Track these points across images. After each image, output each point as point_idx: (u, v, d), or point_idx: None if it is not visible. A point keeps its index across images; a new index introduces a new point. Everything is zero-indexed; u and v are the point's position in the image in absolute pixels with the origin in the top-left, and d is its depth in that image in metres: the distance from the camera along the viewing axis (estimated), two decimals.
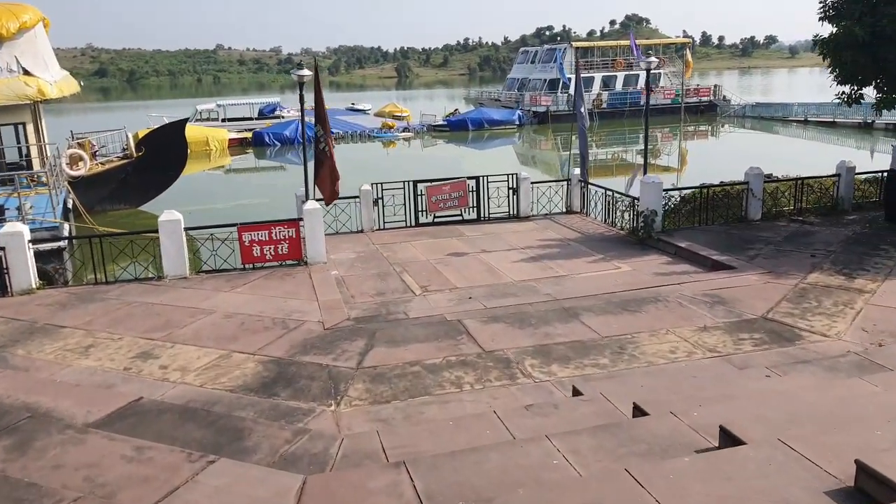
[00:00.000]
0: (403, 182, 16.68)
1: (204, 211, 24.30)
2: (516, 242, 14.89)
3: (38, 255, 13.03)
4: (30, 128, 20.91)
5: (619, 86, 56.77)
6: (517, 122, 50.62)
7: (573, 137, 18.97)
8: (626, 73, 57.56)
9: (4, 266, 11.55)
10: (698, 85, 58.53)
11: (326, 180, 15.41)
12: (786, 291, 10.48)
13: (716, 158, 36.16)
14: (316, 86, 15.87)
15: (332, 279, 12.28)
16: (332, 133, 50.21)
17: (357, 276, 12.78)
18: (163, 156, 24.22)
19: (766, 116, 50.42)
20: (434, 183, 16.92)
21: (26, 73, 20.17)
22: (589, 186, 17.22)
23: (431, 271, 12.96)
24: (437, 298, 11.34)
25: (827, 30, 14.79)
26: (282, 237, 12.87)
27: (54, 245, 15.00)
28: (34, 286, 11.82)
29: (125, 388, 8.01)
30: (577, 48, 59.45)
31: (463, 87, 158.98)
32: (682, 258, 13.02)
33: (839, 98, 15.11)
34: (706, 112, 55.60)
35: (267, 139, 43.50)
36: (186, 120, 26.78)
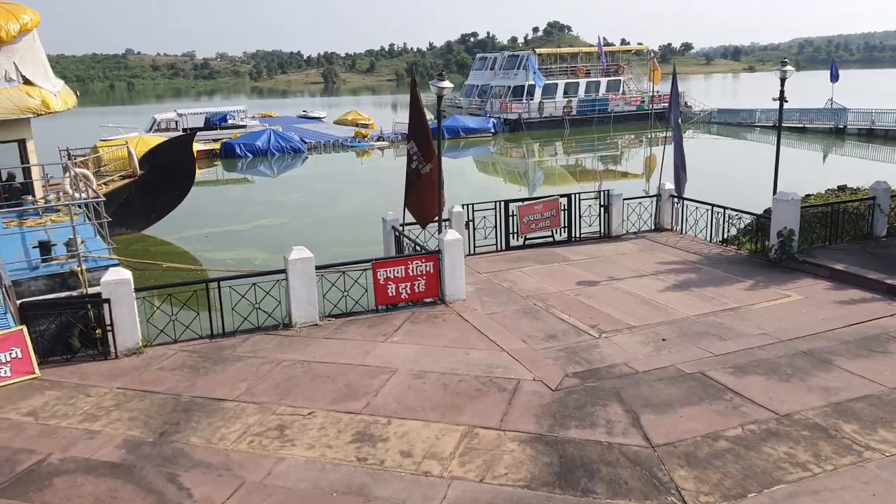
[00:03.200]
0: (495, 202, 15.20)
1: (223, 234, 22.03)
2: (636, 267, 13.65)
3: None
4: (30, 145, 18.16)
5: (581, 93, 56.62)
6: (492, 131, 49.59)
7: (665, 147, 17.90)
8: (588, 80, 57.58)
9: (108, 322, 9.39)
10: (658, 91, 59.01)
11: (418, 202, 13.83)
12: None
13: (701, 166, 36.06)
14: (413, 95, 14.25)
15: (493, 321, 10.67)
16: (307, 142, 47.14)
17: (502, 314, 11.19)
18: (168, 174, 21.72)
19: (733, 122, 51.27)
20: (526, 202, 15.53)
21: (27, 82, 17.47)
22: (685, 202, 16.19)
23: (580, 306, 11.52)
24: (627, 342, 9.93)
25: None
26: (418, 273, 11.16)
27: None
28: (140, 345, 9.70)
29: (388, 492, 6.27)
30: (539, 55, 59.15)
31: (390, 92, 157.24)
32: (843, 282, 12.05)
33: None
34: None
35: (238, 150, 40.74)
36: (195, 134, 24.27)
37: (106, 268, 12.81)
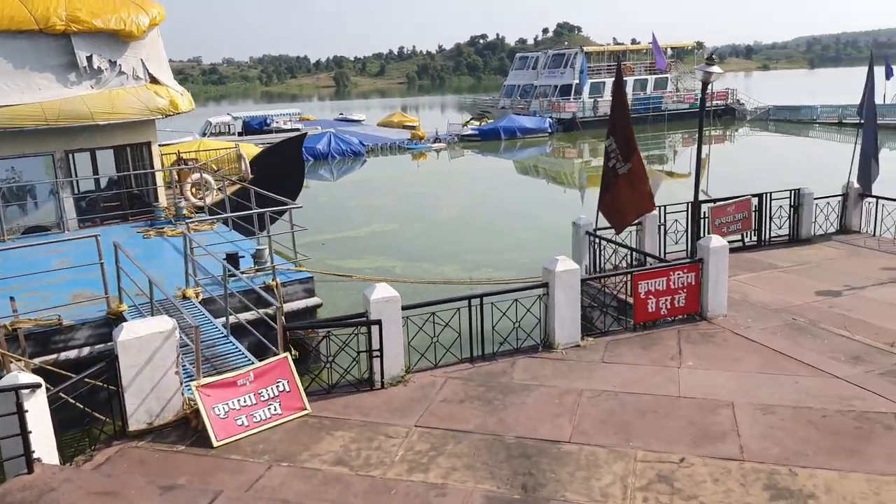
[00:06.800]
0: (686, 203, 13.93)
1: (337, 240, 20.78)
2: (864, 273, 12.37)
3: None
4: (155, 149, 16.92)
5: (629, 91, 55.28)
6: (549, 130, 48.35)
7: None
8: (635, 77, 56.29)
9: (377, 347, 8.11)
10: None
11: (613, 205, 12.67)
12: None
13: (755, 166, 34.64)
14: (616, 85, 13.11)
15: (779, 339, 9.38)
16: (365, 145, 45.84)
17: (768, 330, 9.87)
18: (278, 178, 20.45)
19: (792, 119, 49.92)
20: (718, 203, 14.27)
21: (154, 80, 16.25)
22: (880, 202, 14.90)
23: (850, 321, 10.12)
24: None
25: None
26: (680, 285, 9.89)
27: (311, 303, 11.50)
28: (404, 369, 8.44)
29: None
30: (587, 53, 57.84)
31: (400, 95, 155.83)
32: None
33: None
34: (723, 116, 54.86)
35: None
36: (305, 135, 23.04)
37: (300, 281, 11.64)
